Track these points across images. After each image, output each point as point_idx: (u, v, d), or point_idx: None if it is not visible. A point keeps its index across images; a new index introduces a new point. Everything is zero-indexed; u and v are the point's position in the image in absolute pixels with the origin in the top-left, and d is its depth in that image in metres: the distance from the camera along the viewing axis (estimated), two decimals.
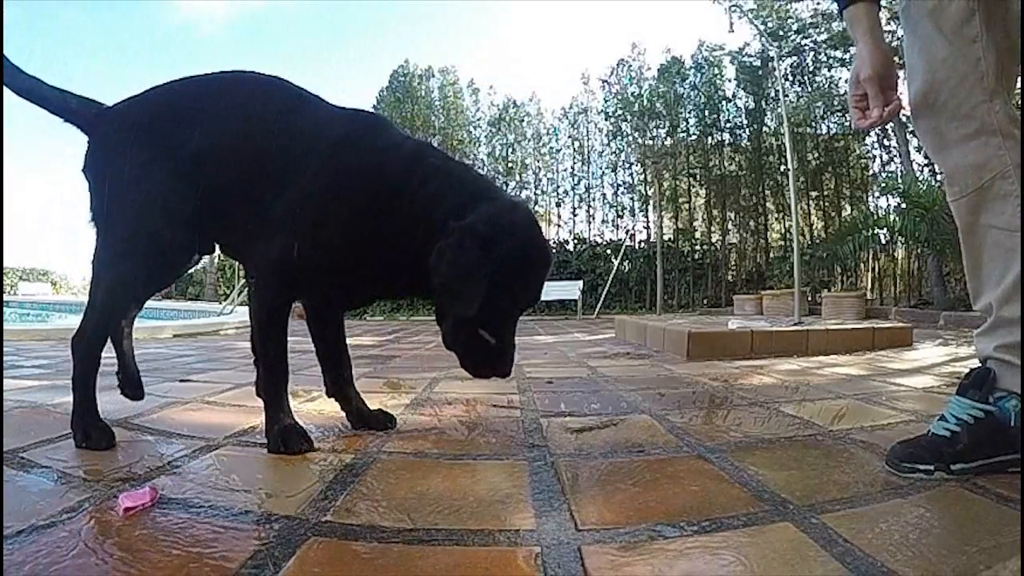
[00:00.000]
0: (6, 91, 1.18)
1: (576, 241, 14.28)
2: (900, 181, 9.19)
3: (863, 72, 1.00)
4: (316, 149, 1.13)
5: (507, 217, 1.03)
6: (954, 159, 0.97)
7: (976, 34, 0.90)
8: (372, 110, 1.31)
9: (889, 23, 10.02)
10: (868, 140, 12.30)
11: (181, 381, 2.05)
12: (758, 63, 13.06)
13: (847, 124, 12.24)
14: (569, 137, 14.80)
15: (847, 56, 11.71)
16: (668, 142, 13.79)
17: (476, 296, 0.99)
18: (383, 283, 1.18)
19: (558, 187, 14.87)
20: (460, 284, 1.00)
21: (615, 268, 11.70)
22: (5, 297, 13.85)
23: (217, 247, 1.33)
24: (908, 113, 1.06)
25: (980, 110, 0.91)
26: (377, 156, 1.13)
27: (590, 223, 14.45)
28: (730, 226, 13.72)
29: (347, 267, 1.13)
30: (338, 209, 1.09)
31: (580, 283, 11.38)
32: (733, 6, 9.15)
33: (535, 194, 15.03)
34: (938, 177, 9.74)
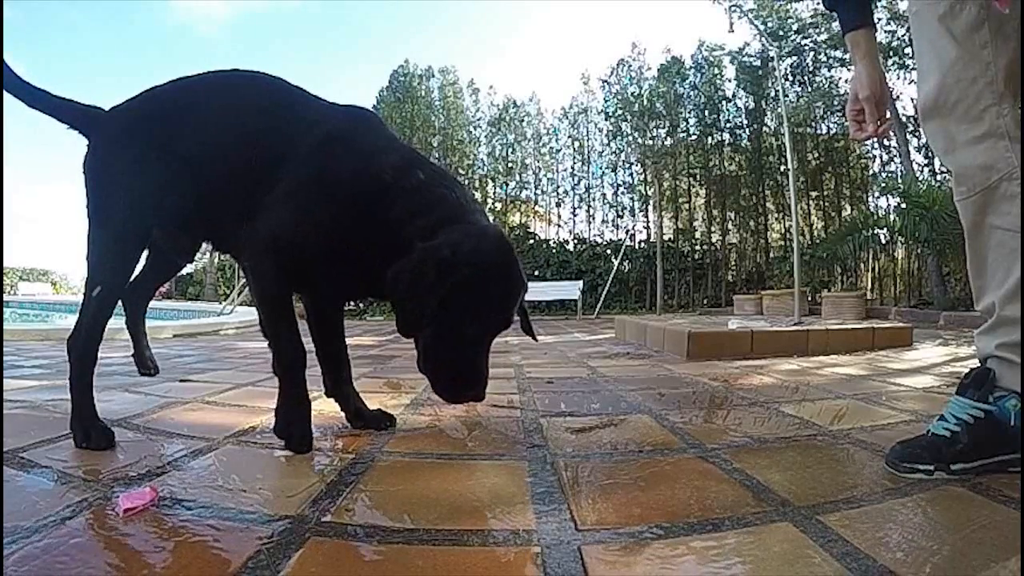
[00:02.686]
0: (12, 102, 1.20)
1: (576, 241, 14.28)
2: (900, 181, 9.20)
3: (862, 92, 1.09)
4: (307, 143, 1.13)
5: (471, 243, 1.02)
6: (962, 160, 0.98)
7: (987, 40, 0.92)
8: (365, 107, 1.29)
9: (889, 23, 10.06)
10: (868, 140, 12.27)
11: (181, 381, 2.05)
12: (758, 63, 13.06)
13: (846, 125, 12.24)
14: (569, 137, 14.80)
15: (847, 56, 11.69)
16: (668, 142, 13.78)
17: (423, 317, 1.00)
18: (368, 283, 1.17)
19: (558, 187, 14.86)
20: (411, 304, 1.01)
21: (615, 268, 11.70)
22: (5, 297, 13.85)
23: (210, 244, 1.34)
24: (905, 116, 1.10)
25: (989, 113, 0.93)
26: (363, 160, 1.12)
27: (590, 223, 14.46)
28: (730, 226, 13.71)
29: (330, 260, 1.12)
30: (321, 203, 1.09)
31: (580, 283, 11.37)
32: (733, 6, 9.14)
33: (535, 194, 15.04)
34: (938, 177, 9.77)
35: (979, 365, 1.01)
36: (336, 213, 1.09)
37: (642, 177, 14.05)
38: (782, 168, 12.33)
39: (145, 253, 1.38)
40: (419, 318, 1.02)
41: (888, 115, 1.13)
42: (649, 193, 13.50)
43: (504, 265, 1.05)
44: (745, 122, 13.48)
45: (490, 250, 1.04)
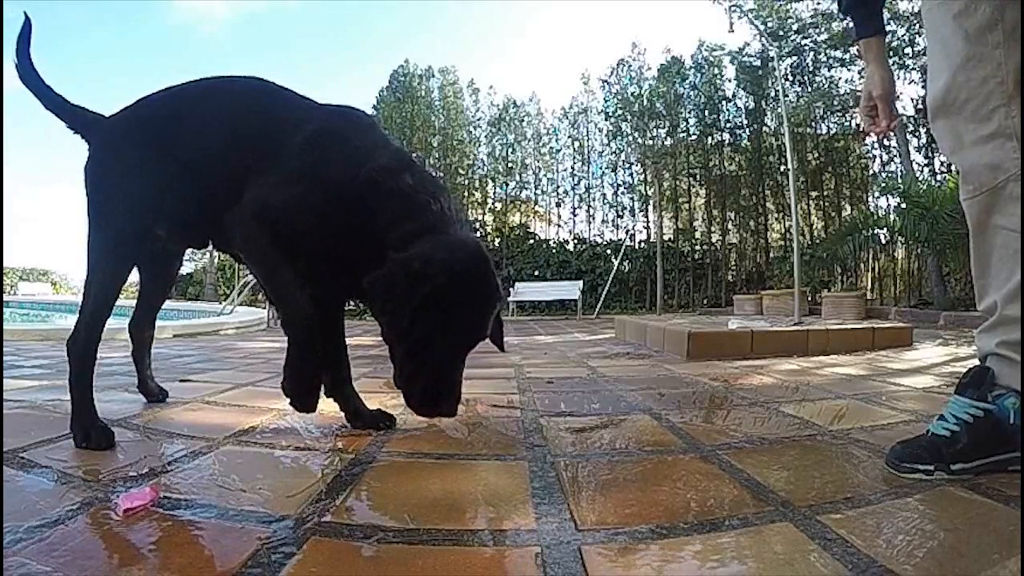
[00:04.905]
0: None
1: (576, 241, 14.28)
2: (900, 181, 9.19)
3: (875, 91, 1.18)
4: (295, 141, 1.14)
5: (443, 254, 1.01)
6: (970, 159, 0.98)
7: (999, 40, 0.92)
8: (357, 108, 1.30)
9: (889, 23, 10.06)
10: (868, 140, 12.28)
11: (181, 381, 2.05)
12: (758, 63, 13.05)
13: (847, 124, 12.28)
14: (569, 137, 14.80)
15: (847, 56, 11.72)
16: (668, 142, 13.78)
17: (401, 328, 1.01)
18: (350, 283, 1.16)
19: (558, 187, 14.86)
20: (390, 316, 1.02)
21: (615, 268, 11.69)
22: (5, 297, 13.86)
23: (211, 243, 1.35)
24: (904, 116, 1.14)
25: (998, 113, 0.93)
26: (349, 155, 1.12)
27: (590, 223, 14.46)
28: (730, 226, 13.71)
29: (312, 248, 1.12)
30: (305, 190, 1.09)
31: (580, 283, 11.38)
32: (733, 6, 9.13)
33: (535, 194, 15.04)
34: (938, 177, 9.77)
35: (978, 364, 1.01)
36: (319, 202, 1.09)
37: (642, 177, 14.05)
38: (782, 168, 12.33)
39: (139, 276, 1.42)
40: (399, 330, 1.03)
41: (897, 112, 1.21)
42: (649, 193, 13.49)
43: (477, 277, 1.04)
44: (745, 122, 13.47)
45: (462, 262, 1.02)
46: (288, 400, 1.10)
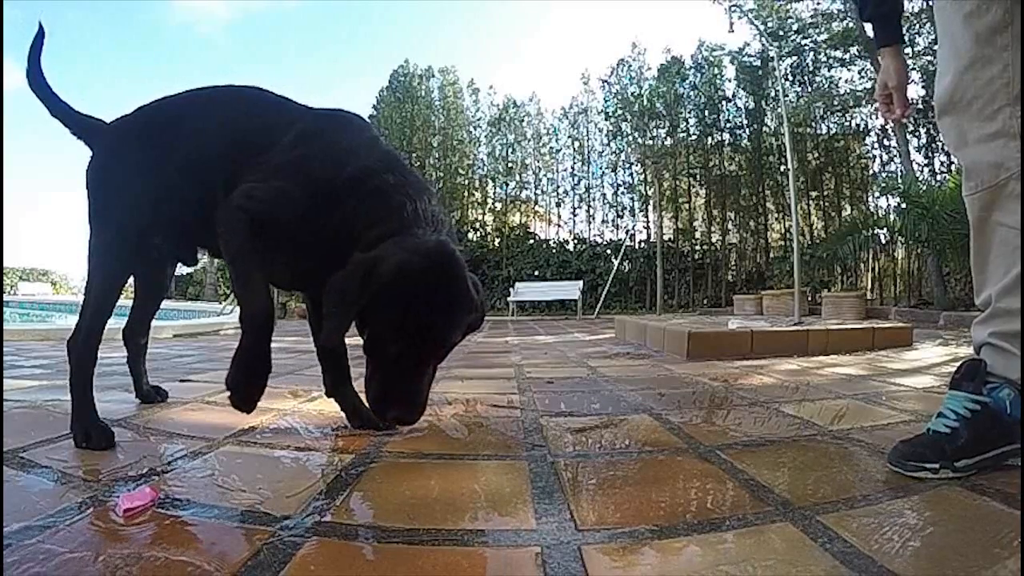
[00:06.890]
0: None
1: (576, 241, 14.29)
2: (900, 181, 9.18)
3: (891, 82, 1.24)
4: (284, 142, 1.14)
5: (399, 257, 0.96)
6: (973, 156, 1.00)
7: (1007, 43, 0.93)
8: (348, 111, 1.30)
9: None
10: (868, 140, 12.32)
11: (181, 381, 2.05)
12: (758, 63, 13.06)
13: (847, 124, 12.28)
14: (569, 137, 14.82)
15: (847, 56, 11.73)
16: (668, 142, 13.79)
17: (341, 328, 0.98)
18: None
19: (558, 187, 14.88)
20: (334, 313, 0.98)
21: (615, 268, 11.70)
22: (5, 297, 13.87)
23: (205, 250, 1.36)
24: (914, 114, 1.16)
25: (1003, 113, 0.94)
26: (334, 153, 1.12)
27: (590, 223, 14.48)
28: (730, 226, 13.71)
29: (293, 241, 1.10)
30: (290, 182, 1.08)
31: (580, 283, 11.39)
32: (733, 6, 9.13)
33: (535, 194, 15.06)
34: (938, 177, 9.76)
35: (971, 357, 1.03)
36: (302, 197, 1.07)
37: (642, 177, 14.06)
38: (782, 168, 12.33)
39: (133, 285, 1.42)
40: (338, 331, 0.98)
41: (909, 102, 1.27)
42: (649, 193, 13.49)
43: (434, 281, 0.98)
44: (745, 122, 13.49)
45: (419, 269, 0.96)
46: (228, 394, 1.04)
